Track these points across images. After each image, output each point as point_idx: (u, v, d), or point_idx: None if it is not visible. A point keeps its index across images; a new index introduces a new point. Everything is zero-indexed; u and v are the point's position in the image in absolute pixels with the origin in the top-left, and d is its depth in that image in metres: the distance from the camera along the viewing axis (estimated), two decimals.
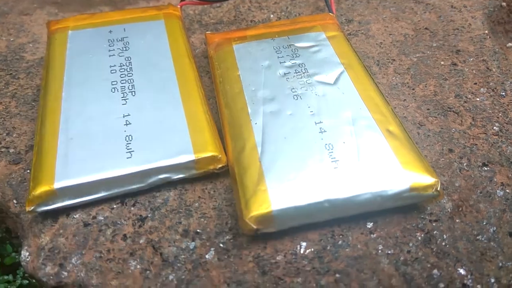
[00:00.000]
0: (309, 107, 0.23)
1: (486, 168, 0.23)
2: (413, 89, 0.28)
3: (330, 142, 0.21)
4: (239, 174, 0.21)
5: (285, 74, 0.26)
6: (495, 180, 0.23)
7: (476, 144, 0.25)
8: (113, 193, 0.21)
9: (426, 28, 0.33)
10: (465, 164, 0.24)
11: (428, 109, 0.27)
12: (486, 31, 0.34)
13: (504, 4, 0.38)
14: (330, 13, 0.32)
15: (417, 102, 0.27)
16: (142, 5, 0.41)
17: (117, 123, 0.23)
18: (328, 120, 0.22)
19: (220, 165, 0.22)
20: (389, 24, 0.34)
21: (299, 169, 0.20)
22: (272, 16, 0.36)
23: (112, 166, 0.21)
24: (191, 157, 0.21)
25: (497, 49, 0.32)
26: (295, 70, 0.26)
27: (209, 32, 0.31)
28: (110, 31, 0.29)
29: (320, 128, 0.22)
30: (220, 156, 0.22)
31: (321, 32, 0.29)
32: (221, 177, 0.23)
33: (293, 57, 0.27)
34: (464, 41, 0.32)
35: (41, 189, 0.20)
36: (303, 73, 0.26)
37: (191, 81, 0.26)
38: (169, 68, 0.27)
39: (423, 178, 0.20)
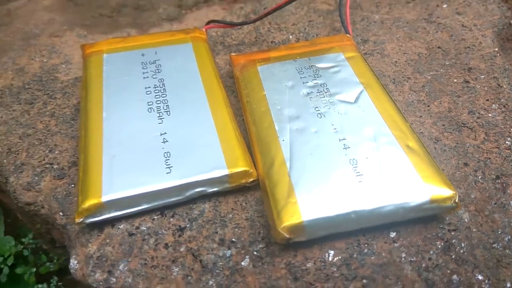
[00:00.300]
0: (332, 124, 0.25)
1: (499, 181, 0.25)
2: (428, 106, 0.30)
3: (354, 158, 0.23)
4: (270, 187, 0.23)
5: (308, 93, 0.27)
6: (509, 192, 0.25)
7: (489, 158, 0.26)
8: (154, 206, 0.23)
9: (438, 47, 0.35)
10: (479, 177, 0.25)
11: (443, 125, 0.28)
12: (496, 49, 0.35)
13: None
14: (347, 34, 0.33)
15: (432, 118, 0.29)
16: (166, 27, 0.43)
17: (155, 141, 0.25)
18: (351, 137, 0.24)
19: (251, 179, 0.24)
20: (403, 43, 0.36)
21: (326, 182, 0.22)
22: (291, 37, 0.38)
23: (153, 181, 0.23)
24: (225, 171, 0.23)
25: (507, 66, 0.33)
26: (318, 89, 0.28)
27: (233, 54, 0.33)
28: (143, 54, 0.31)
29: (344, 144, 0.24)
30: (251, 170, 0.24)
31: (340, 53, 0.31)
32: (251, 190, 0.25)
33: (314, 77, 0.29)
34: (475, 59, 0.34)
35: (89, 202, 0.22)
36: (325, 92, 0.27)
37: (220, 101, 0.28)
38: (199, 88, 0.29)
39: (442, 191, 0.21)
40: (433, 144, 0.27)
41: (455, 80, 0.32)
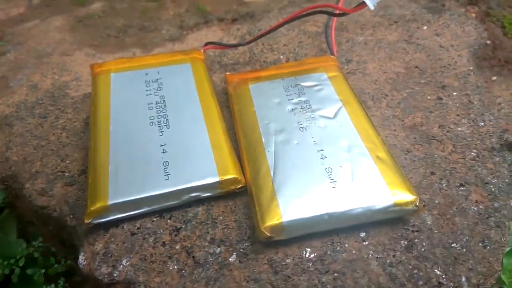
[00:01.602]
0: (312, 137, 0.28)
1: (462, 188, 0.28)
2: (403, 121, 0.33)
3: (330, 166, 0.26)
4: (256, 192, 0.26)
5: (292, 109, 0.31)
6: (470, 198, 0.27)
7: (455, 168, 0.29)
8: (153, 208, 0.26)
9: (416, 67, 0.38)
10: (444, 184, 0.28)
11: (415, 137, 0.31)
12: (471, 67, 0.38)
13: (489, 42, 0.43)
14: (332, 55, 0.37)
15: (405, 132, 0.32)
16: (169, 47, 0.47)
17: (156, 151, 0.28)
18: (328, 148, 0.27)
19: (240, 185, 0.27)
20: (383, 63, 0.39)
21: (304, 188, 0.25)
22: (282, 57, 0.41)
23: (153, 186, 0.26)
24: (216, 179, 0.26)
25: (480, 84, 0.37)
26: (301, 106, 0.31)
27: (228, 73, 0.36)
28: (146, 74, 0.35)
29: (322, 155, 0.27)
30: (240, 178, 0.27)
31: (323, 73, 0.34)
32: (240, 195, 0.28)
33: (299, 95, 0.32)
34: (450, 77, 0.37)
35: (97, 205, 0.25)
36: (308, 108, 0.31)
37: (214, 116, 0.31)
38: (196, 105, 0.32)
39: (405, 196, 0.24)
40: (404, 155, 0.30)
41: (429, 97, 0.35)
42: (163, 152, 0.28)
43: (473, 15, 0.47)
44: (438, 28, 0.43)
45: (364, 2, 0.31)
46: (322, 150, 0.27)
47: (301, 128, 0.29)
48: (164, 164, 0.27)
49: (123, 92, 0.33)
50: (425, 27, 0.43)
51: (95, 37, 0.49)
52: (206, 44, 0.40)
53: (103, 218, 0.26)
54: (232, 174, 0.27)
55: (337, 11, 0.34)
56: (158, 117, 0.31)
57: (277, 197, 0.25)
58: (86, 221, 0.25)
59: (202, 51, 0.38)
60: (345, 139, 0.28)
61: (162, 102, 0.32)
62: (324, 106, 0.31)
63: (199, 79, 0.34)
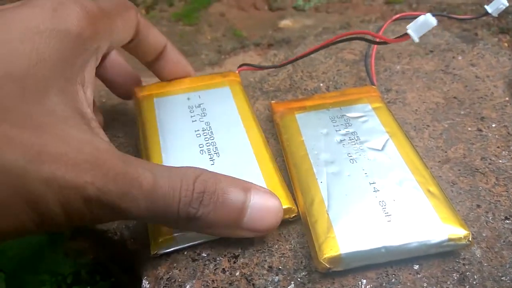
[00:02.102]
0: (363, 169, 0.29)
1: (508, 221, 0.29)
2: (446, 152, 0.34)
3: (383, 199, 0.27)
4: (311, 223, 0.27)
5: (341, 141, 0.32)
6: None
7: (499, 201, 0.30)
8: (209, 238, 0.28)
9: (454, 97, 0.39)
10: (490, 217, 0.29)
11: (459, 170, 0.33)
12: (507, 98, 0.39)
13: None
14: (373, 86, 0.38)
15: (449, 164, 0.33)
16: (208, 71, 0.48)
17: None
18: (380, 181, 0.28)
19: (293, 215, 0.28)
20: (422, 93, 0.40)
21: (360, 221, 0.26)
22: (321, 84, 0.42)
23: None
24: None
25: None
26: (349, 137, 0.32)
27: (274, 102, 0.37)
28: (188, 98, 0.36)
29: (374, 187, 0.28)
30: (293, 207, 0.28)
31: (367, 104, 0.35)
32: (292, 224, 0.29)
33: (346, 126, 0.33)
34: (487, 108, 0.38)
35: (163, 237, 0.27)
36: (356, 140, 0.32)
37: (260, 143, 0.32)
38: (241, 130, 0.33)
39: (458, 231, 0.25)
40: (450, 187, 0.31)
41: (469, 129, 0.36)
42: None
43: (506, 44, 0.48)
44: (473, 58, 0.44)
45: (407, 34, 0.32)
46: (374, 183, 0.28)
47: (351, 160, 0.30)
48: None
49: (169, 119, 0.34)
50: (460, 57, 0.44)
51: (137, 60, 0.51)
52: (241, 65, 0.41)
53: (168, 249, 0.27)
54: (286, 204, 0.28)
55: (378, 39, 0.36)
56: (207, 144, 0.32)
57: (333, 228, 0.26)
58: (152, 252, 0.27)
59: (237, 72, 0.39)
60: (395, 172, 0.29)
61: (208, 128, 0.33)
62: (372, 138, 0.32)
63: (240, 103, 0.35)
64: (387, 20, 0.42)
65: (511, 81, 0.42)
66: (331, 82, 0.43)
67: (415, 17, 0.38)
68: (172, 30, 0.57)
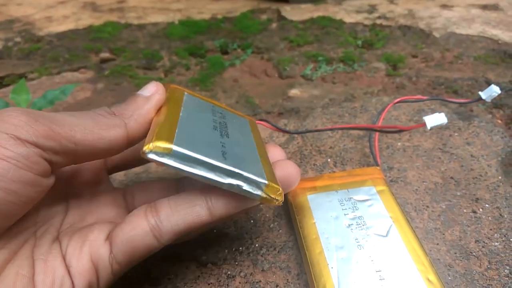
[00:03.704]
0: (370, 256, 0.33)
1: None
2: (444, 234, 0.38)
3: None
4: None
5: (349, 225, 0.35)
6: None
7: (491, 285, 0.34)
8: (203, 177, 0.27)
9: (451, 177, 0.43)
10: None
11: (455, 253, 0.36)
12: (500, 177, 0.43)
13: None
14: (377, 167, 0.42)
15: (447, 246, 0.36)
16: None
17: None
18: (385, 269, 0.32)
19: (279, 199, 0.29)
20: (421, 171, 0.44)
21: None
22: (329, 160, 0.46)
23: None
24: (264, 180, 0.29)
25: (508, 195, 0.41)
26: (356, 222, 0.36)
27: None
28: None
29: (380, 275, 0.31)
30: (280, 192, 0.29)
31: (372, 187, 0.39)
32: None
33: (353, 210, 0.37)
34: (481, 189, 0.42)
35: (164, 145, 0.30)
36: (363, 225, 0.35)
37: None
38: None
39: None
40: (447, 271, 0.34)
41: (465, 210, 0.40)
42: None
43: (499, 121, 0.53)
44: (468, 136, 0.48)
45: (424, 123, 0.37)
46: (379, 271, 0.32)
47: (359, 246, 0.34)
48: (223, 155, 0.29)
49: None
50: (456, 134, 0.48)
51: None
52: (260, 119, 0.44)
53: (162, 157, 0.26)
54: (278, 185, 0.29)
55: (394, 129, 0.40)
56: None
57: None
58: (145, 150, 0.25)
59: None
60: (398, 260, 0.32)
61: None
62: (377, 223, 0.35)
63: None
64: (388, 93, 0.47)
65: (503, 159, 0.46)
66: (338, 158, 0.46)
67: (412, 101, 0.43)
68: None
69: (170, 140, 0.26)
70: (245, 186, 0.28)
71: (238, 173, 0.28)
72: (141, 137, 0.29)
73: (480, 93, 0.45)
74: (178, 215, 0.28)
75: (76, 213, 0.31)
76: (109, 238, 0.27)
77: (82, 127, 0.25)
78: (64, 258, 0.27)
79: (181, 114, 0.31)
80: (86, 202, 0.32)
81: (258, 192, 0.29)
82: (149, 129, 0.29)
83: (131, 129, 0.28)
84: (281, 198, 0.29)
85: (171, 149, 0.26)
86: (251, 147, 0.33)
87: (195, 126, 0.30)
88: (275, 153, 0.35)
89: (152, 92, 0.30)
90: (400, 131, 0.40)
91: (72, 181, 0.32)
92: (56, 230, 0.29)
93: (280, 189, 0.29)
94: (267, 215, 0.40)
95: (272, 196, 0.29)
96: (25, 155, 0.22)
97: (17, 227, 0.26)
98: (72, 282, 0.26)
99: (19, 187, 0.22)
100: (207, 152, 0.27)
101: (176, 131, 0.28)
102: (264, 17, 0.90)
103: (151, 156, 0.25)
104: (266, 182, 0.29)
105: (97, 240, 0.28)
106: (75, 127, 0.25)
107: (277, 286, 0.34)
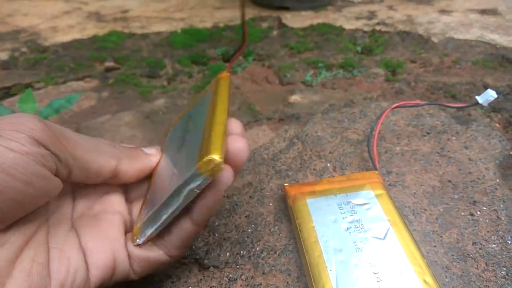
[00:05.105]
0: (367, 259, 0.33)
1: None
2: (441, 237, 0.38)
3: None
4: None
5: (348, 228, 0.36)
6: None
7: (488, 286, 0.34)
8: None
9: (449, 181, 0.44)
10: None
11: (452, 255, 0.37)
12: (498, 180, 0.44)
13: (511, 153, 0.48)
14: (375, 171, 0.43)
15: (444, 249, 0.37)
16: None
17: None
18: (382, 271, 0.32)
19: (217, 164, 0.27)
20: (419, 175, 0.45)
21: None
22: (328, 165, 0.47)
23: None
24: (194, 167, 0.27)
25: (505, 198, 0.42)
26: (355, 225, 0.36)
27: (287, 185, 0.42)
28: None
29: (377, 277, 0.32)
30: (212, 158, 0.27)
31: (370, 190, 0.40)
32: None
33: (352, 213, 0.38)
34: (479, 192, 0.42)
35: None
36: (361, 228, 0.36)
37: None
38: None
39: None
40: (444, 273, 0.35)
41: (462, 213, 0.40)
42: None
43: (497, 125, 0.53)
44: (466, 140, 0.49)
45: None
46: (377, 273, 0.32)
47: (357, 249, 0.34)
48: None
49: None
50: (454, 139, 0.49)
51: (160, 135, 0.56)
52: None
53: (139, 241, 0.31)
54: (208, 155, 0.27)
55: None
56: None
57: None
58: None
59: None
60: (395, 262, 0.33)
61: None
62: (375, 226, 0.36)
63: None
64: (387, 99, 0.47)
65: (501, 163, 0.47)
66: (337, 163, 0.47)
67: (410, 106, 0.43)
68: None
69: (138, 236, 0.31)
70: (191, 185, 0.28)
71: (179, 186, 0.28)
72: (127, 179, 0.32)
73: (476, 97, 0.46)
74: (175, 237, 0.32)
75: (84, 202, 0.32)
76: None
77: (83, 145, 0.28)
78: (82, 249, 0.29)
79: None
80: (92, 191, 0.33)
81: (200, 180, 0.28)
82: (137, 178, 0.33)
83: (122, 165, 0.31)
84: (217, 162, 0.27)
85: (137, 243, 0.31)
86: (198, 133, 0.32)
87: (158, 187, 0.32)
88: (232, 126, 0.35)
89: (152, 153, 0.35)
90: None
91: None
92: (68, 219, 0.30)
93: (213, 156, 0.27)
94: (268, 219, 0.41)
95: (210, 167, 0.27)
96: (42, 153, 0.24)
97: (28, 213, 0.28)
98: (88, 273, 0.28)
99: (38, 180, 0.24)
100: (158, 202, 0.30)
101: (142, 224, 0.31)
102: (265, 25, 0.91)
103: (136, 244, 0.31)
104: (196, 167, 0.27)
105: (118, 241, 0.31)
106: (77, 145, 0.28)
107: None
